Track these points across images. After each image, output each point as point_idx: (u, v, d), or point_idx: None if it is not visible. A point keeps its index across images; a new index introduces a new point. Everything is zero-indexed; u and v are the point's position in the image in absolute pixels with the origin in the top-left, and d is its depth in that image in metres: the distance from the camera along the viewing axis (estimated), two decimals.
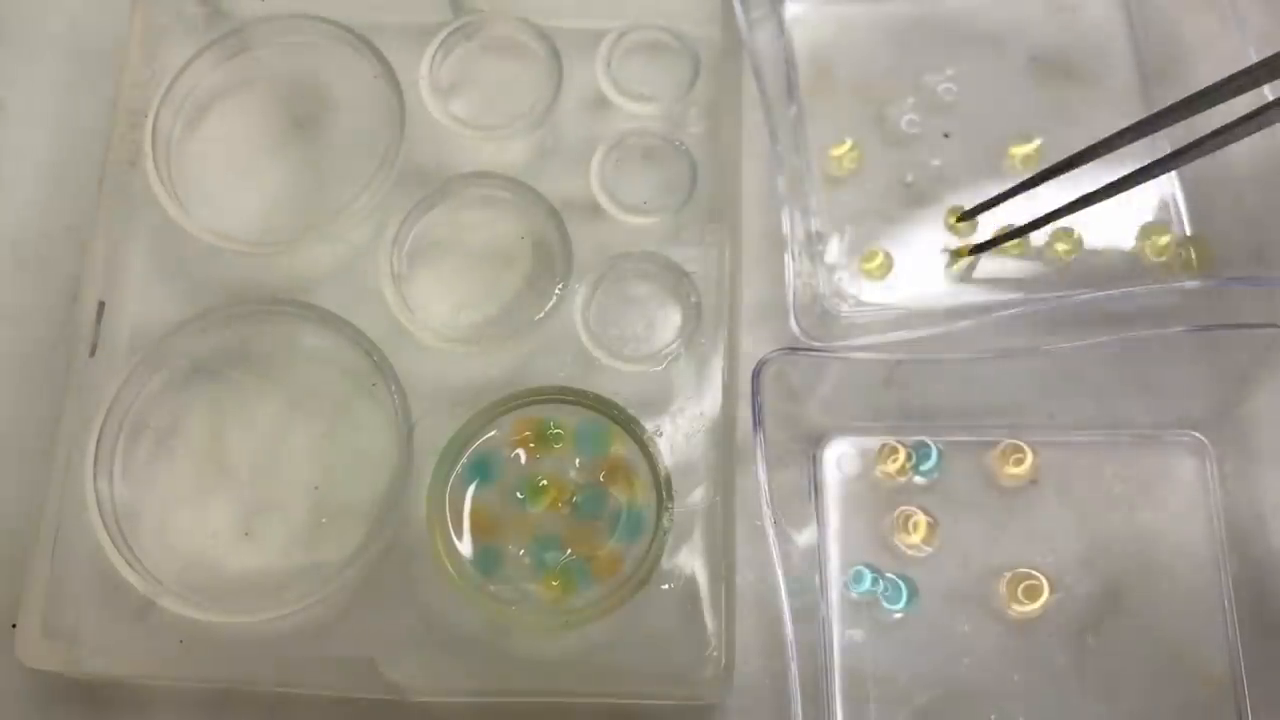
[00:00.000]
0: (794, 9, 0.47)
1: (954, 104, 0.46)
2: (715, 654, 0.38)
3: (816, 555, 0.40)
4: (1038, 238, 0.43)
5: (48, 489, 0.40)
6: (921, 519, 0.40)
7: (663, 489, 0.39)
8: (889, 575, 0.40)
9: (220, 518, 0.41)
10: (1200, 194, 0.44)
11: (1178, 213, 0.44)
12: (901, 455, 0.41)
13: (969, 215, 0.42)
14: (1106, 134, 0.38)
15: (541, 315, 0.41)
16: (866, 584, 0.40)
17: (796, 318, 0.40)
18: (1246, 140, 0.36)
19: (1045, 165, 0.43)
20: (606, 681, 0.39)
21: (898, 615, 0.40)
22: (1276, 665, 0.39)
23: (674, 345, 0.41)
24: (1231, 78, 0.35)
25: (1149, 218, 0.44)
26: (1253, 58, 0.41)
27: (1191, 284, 0.41)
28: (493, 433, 0.40)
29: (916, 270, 0.44)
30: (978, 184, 0.44)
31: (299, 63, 0.46)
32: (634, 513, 0.40)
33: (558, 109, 0.44)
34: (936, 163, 0.45)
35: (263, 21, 0.45)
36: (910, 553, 0.40)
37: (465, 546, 0.39)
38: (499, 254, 0.43)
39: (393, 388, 0.40)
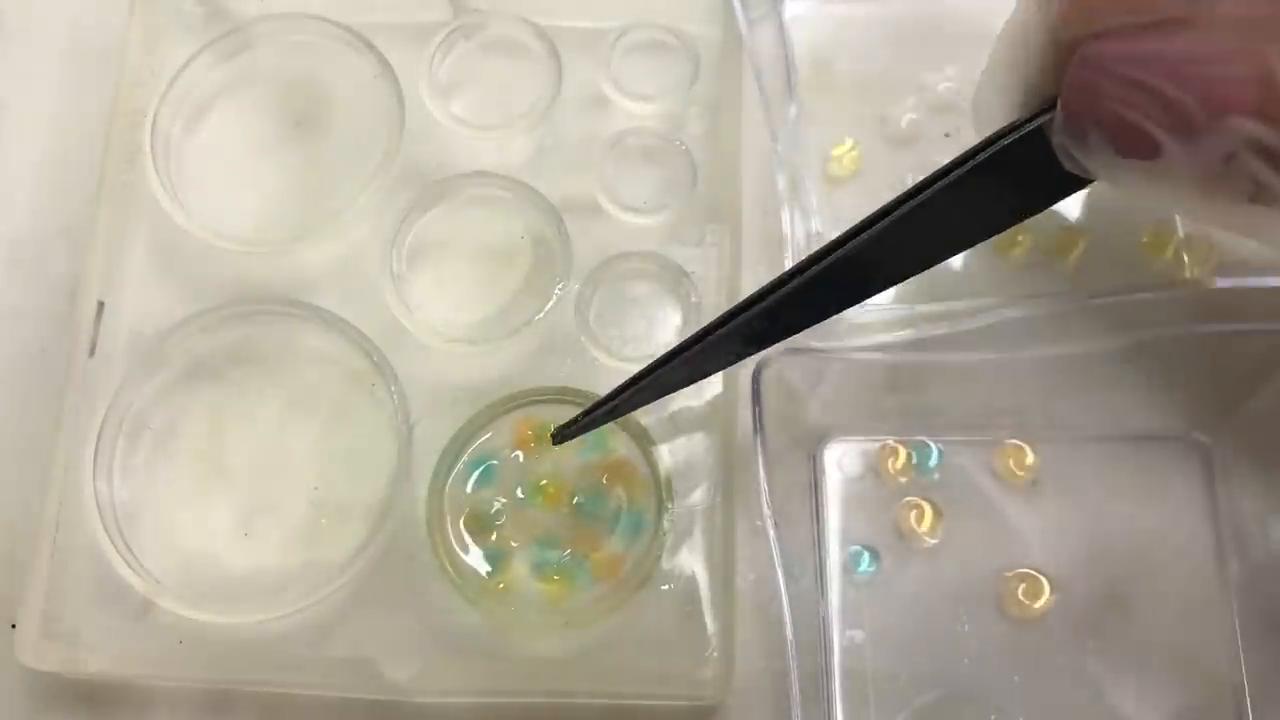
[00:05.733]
0: (794, 9, 0.47)
1: (955, 104, 0.46)
2: (715, 654, 0.38)
3: (816, 556, 0.40)
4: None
5: (47, 489, 0.40)
6: (927, 509, 0.40)
7: (663, 490, 0.39)
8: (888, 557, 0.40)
9: (220, 518, 0.41)
10: None
11: None
12: (902, 456, 0.41)
13: (563, 438, 0.38)
14: None
15: (541, 315, 0.41)
16: (865, 564, 0.40)
17: None
18: None
19: None
20: (606, 681, 0.39)
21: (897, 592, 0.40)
22: (1278, 666, 0.39)
23: None
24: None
25: (1149, 218, 0.44)
26: None
27: (1192, 284, 0.41)
28: (492, 433, 0.40)
29: None
30: None
31: (299, 62, 0.46)
32: (634, 513, 0.40)
33: (558, 109, 0.44)
34: (937, 162, 0.45)
35: (263, 21, 0.45)
36: (913, 544, 0.40)
37: (465, 546, 0.39)
38: (499, 254, 0.43)
39: (393, 388, 0.40)
